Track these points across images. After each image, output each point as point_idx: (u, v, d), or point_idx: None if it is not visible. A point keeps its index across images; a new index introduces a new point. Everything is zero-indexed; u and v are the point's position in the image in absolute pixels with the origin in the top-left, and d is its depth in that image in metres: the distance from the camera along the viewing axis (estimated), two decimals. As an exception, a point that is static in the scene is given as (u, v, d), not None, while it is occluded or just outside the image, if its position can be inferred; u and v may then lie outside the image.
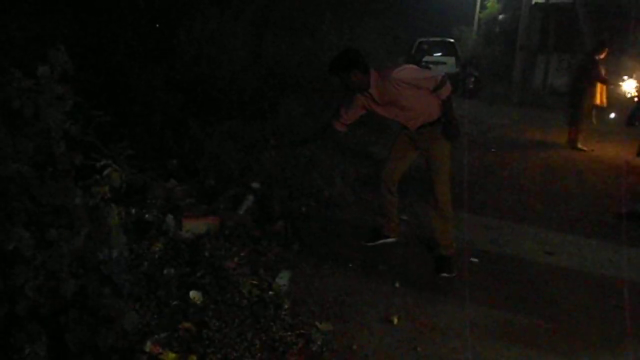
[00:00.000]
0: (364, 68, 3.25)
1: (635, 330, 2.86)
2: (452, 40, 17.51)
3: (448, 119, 3.33)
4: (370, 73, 3.27)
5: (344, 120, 3.60)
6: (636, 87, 7.42)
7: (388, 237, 3.89)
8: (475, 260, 3.68)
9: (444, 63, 15.64)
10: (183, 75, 5.83)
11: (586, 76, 7.24)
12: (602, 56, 7.20)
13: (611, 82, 7.40)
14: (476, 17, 22.32)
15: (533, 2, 15.00)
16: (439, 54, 16.16)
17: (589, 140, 7.55)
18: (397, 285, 3.29)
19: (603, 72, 7.19)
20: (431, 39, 17.08)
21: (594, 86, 7.26)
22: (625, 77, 7.44)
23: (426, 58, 14.99)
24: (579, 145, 7.46)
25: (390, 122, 7.77)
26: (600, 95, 7.30)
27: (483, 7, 21.73)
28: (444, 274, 3.43)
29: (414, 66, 3.42)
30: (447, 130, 3.34)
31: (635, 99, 7.33)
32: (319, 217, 4.31)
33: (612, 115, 8.09)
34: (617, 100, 7.59)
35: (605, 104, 7.40)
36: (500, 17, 19.77)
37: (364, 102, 3.45)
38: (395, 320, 2.87)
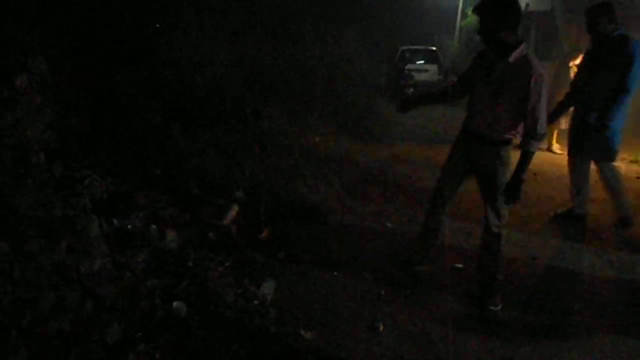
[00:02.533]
0: (514, 30, 2.83)
1: (618, 330, 2.89)
2: (434, 48, 17.70)
3: (518, 176, 2.93)
4: (520, 44, 2.84)
5: (461, 89, 3.26)
6: None
7: (422, 264, 3.60)
8: (460, 266, 3.69)
9: (427, 70, 15.82)
10: (164, 83, 5.79)
11: (557, 81, 7.44)
12: (576, 62, 7.34)
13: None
14: (457, 26, 22.59)
15: (513, 11, 15.23)
16: (422, 61, 16.33)
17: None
18: (382, 292, 3.29)
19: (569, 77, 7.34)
20: (413, 47, 17.27)
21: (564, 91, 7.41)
22: None
23: (409, 65, 15.14)
24: (553, 148, 7.71)
25: (377, 132, 7.82)
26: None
27: (464, 15, 22.00)
28: (492, 307, 3.13)
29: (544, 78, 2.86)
30: (510, 188, 2.95)
31: None
32: (303, 225, 4.30)
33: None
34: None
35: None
36: (481, 25, 20.01)
37: (475, 71, 3.06)
38: (381, 328, 2.87)
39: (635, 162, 7.05)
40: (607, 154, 4.32)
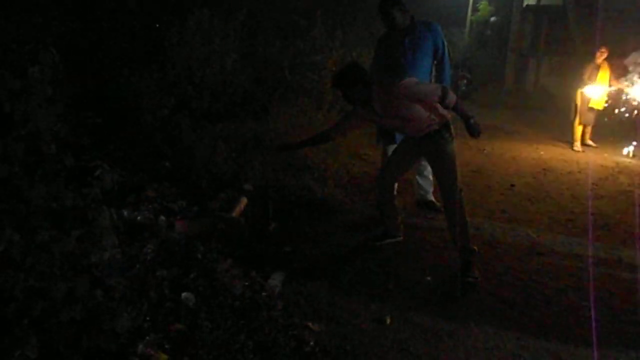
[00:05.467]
0: (366, 83, 3.29)
1: (627, 329, 2.88)
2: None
3: (465, 120, 3.32)
4: (372, 88, 3.30)
5: (343, 131, 3.63)
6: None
7: (395, 236, 3.91)
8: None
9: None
10: (174, 77, 5.82)
11: (580, 79, 7.38)
12: (600, 59, 7.27)
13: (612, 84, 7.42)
14: (468, 20, 22.39)
15: (524, 5, 15.10)
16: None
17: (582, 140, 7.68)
18: (389, 286, 3.30)
19: (593, 75, 7.25)
20: None
21: (586, 89, 7.34)
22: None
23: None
24: (575, 146, 7.59)
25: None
26: (597, 99, 7.38)
27: (475, 9, 21.81)
28: (470, 279, 3.34)
29: (415, 79, 3.39)
30: (469, 129, 3.33)
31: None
32: (311, 218, 4.31)
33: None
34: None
35: (599, 107, 7.44)
36: (492, 19, 19.85)
37: (366, 115, 3.45)
38: (388, 321, 2.88)
39: None
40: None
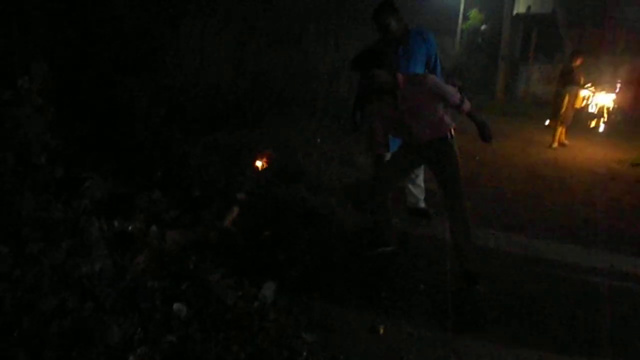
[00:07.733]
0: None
1: (619, 336, 2.88)
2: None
3: (480, 126, 3.33)
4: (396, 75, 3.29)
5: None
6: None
7: (388, 244, 3.89)
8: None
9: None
10: (166, 86, 5.80)
11: (565, 82, 7.85)
12: (577, 63, 7.78)
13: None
14: (459, 28, 22.55)
15: (514, 13, 15.25)
16: (423, 64, 16.28)
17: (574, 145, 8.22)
18: (383, 295, 3.29)
19: (580, 78, 7.76)
20: None
21: (574, 91, 7.95)
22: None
23: (410, 68, 15.10)
24: (554, 145, 8.19)
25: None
26: (579, 99, 8.11)
27: (466, 17, 21.97)
28: (479, 287, 3.36)
29: (436, 77, 3.45)
30: (483, 134, 3.34)
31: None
32: (304, 227, 4.29)
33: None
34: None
35: (580, 107, 8.22)
36: (483, 27, 20.03)
37: (383, 107, 3.43)
38: (382, 330, 2.86)
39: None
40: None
